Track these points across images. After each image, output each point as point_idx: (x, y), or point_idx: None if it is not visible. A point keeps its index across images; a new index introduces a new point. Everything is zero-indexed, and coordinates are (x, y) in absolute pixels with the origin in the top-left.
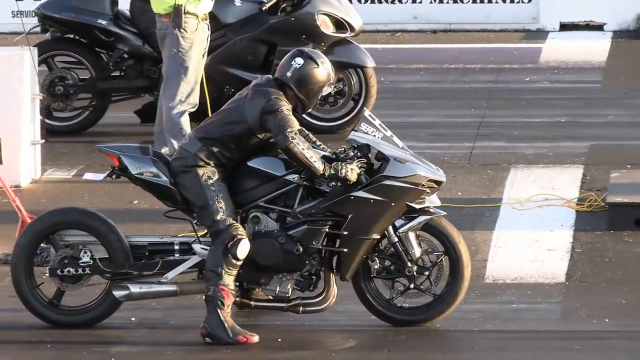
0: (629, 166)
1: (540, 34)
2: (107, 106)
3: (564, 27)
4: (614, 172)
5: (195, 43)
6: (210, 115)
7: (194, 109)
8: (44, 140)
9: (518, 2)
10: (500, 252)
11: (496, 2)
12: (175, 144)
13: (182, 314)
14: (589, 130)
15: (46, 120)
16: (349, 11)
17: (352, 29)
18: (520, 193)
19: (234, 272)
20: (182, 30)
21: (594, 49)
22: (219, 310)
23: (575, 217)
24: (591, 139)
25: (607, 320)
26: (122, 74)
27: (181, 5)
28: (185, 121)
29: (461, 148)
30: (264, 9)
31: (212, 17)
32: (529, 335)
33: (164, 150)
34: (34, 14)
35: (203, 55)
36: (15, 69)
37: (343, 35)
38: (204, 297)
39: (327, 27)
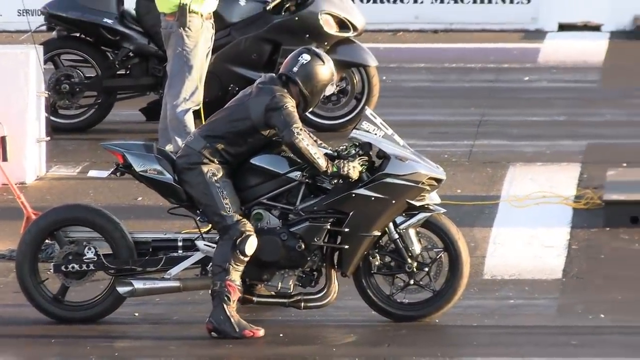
0: (625, 164)
1: (539, 34)
2: (113, 104)
3: (562, 27)
4: (611, 170)
5: (200, 42)
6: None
7: (197, 107)
8: (49, 138)
9: (517, 2)
10: (498, 248)
11: (496, 3)
12: (180, 142)
13: (186, 309)
14: (587, 129)
15: (52, 118)
16: (352, 11)
17: (355, 28)
18: (519, 191)
19: (241, 268)
20: (186, 29)
21: (592, 49)
22: (225, 305)
23: (572, 214)
24: (589, 137)
25: (602, 315)
26: (128, 72)
27: (186, 4)
28: (190, 119)
29: (461, 146)
30: (268, 8)
31: (217, 16)
32: (527, 331)
33: (168, 148)
34: (40, 13)
35: (207, 54)
36: (21, 66)
37: (346, 35)
38: (210, 291)
39: (330, 27)
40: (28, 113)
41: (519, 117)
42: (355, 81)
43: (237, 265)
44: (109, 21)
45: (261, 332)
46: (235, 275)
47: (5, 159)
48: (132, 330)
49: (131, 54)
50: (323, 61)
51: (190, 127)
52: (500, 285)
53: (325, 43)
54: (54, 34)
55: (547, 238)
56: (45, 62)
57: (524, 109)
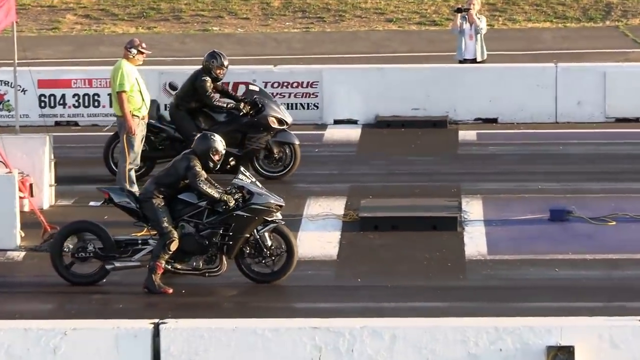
0: (371, 197)
1: (323, 126)
2: (154, 166)
3: (336, 122)
4: (363, 200)
5: (139, 131)
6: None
7: (137, 167)
8: (56, 184)
9: (312, 109)
10: (304, 243)
11: (303, 109)
12: (128, 186)
13: (137, 278)
14: (350, 178)
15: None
16: (286, 114)
17: (287, 123)
18: (313, 212)
19: (167, 256)
20: (130, 125)
21: (353, 133)
22: (153, 275)
23: (342, 224)
24: (351, 182)
25: (359, 280)
26: (162, 148)
27: (130, 111)
28: (132, 174)
29: (286, 187)
30: (240, 114)
31: (212, 117)
32: (317, 287)
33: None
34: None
35: (142, 139)
36: (40, 146)
37: (283, 127)
38: (147, 266)
39: (274, 123)
40: (44, 171)
41: (313, 172)
42: (287, 151)
43: (164, 255)
44: (152, 121)
45: (170, 290)
46: (163, 260)
47: (32, 195)
48: (112, 289)
49: (165, 139)
50: (211, 140)
51: (133, 179)
52: (305, 263)
53: (272, 132)
54: None
55: (329, 237)
56: (115, 145)
57: (315, 167)
